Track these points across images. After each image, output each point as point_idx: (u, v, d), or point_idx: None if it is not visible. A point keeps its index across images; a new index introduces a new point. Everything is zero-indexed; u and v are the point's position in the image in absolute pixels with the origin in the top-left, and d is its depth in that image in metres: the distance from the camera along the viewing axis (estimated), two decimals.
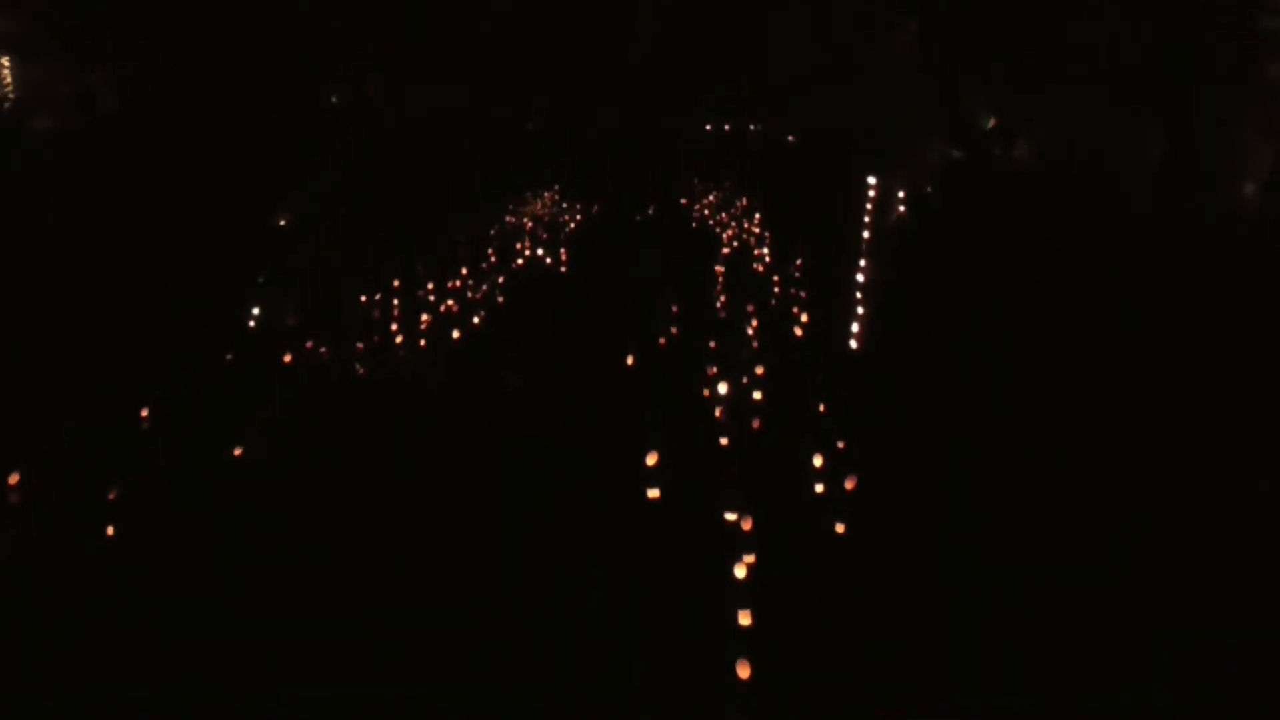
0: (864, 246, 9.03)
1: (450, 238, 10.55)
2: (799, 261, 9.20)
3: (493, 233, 10.98)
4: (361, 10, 12.39)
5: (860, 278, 8.37)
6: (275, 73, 11.47)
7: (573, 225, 11.62)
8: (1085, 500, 4.81)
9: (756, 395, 6.16)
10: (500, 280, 9.14)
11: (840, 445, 5.44)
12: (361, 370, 6.85)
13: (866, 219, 9.65)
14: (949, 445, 5.40)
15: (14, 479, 4.65)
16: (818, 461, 5.20)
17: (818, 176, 11.59)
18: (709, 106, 14.11)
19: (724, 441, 5.57)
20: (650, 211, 12.01)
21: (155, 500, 4.81)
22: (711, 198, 12.56)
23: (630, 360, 6.87)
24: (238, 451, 5.36)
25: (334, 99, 12.41)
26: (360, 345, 7.21)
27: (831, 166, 11.59)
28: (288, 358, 6.88)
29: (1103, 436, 5.35)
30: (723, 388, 6.16)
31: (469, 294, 8.68)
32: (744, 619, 3.93)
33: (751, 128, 14.07)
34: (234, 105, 11.03)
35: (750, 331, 7.44)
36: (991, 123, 9.75)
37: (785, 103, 13.29)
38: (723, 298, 8.40)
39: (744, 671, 3.58)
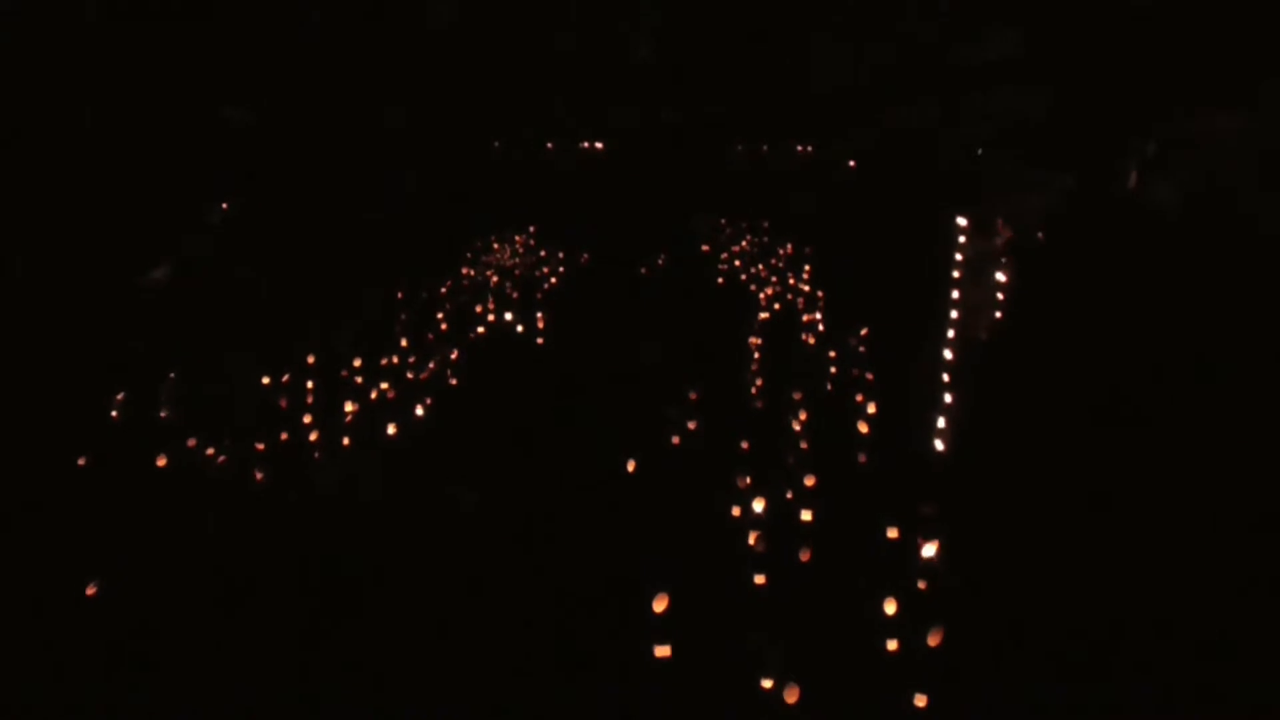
0: (952, 311, 9.26)
1: (386, 297, 10.83)
2: (864, 331, 9.42)
3: (443, 290, 11.26)
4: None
5: (947, 354, 8.56)
6: (156, 82, 11.99)
7: (553, 280, 11.91)
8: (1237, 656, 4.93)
9: (805, 515, 6.29)
10: (454, 356, 9.37)
11: (921, 586, 5.55)
12: (262, 478, 7.01)
13: (955, 274, 9.90)
14: (1065, 585, 5.51)
15: None
16: (890, 608, 5.30)
17: (888, 215, 11.91)
18: (741, 119, 14.57)
19: (760, 579, 5.68)
20: (659, 262, 12.31)
21: None
22: (744, 243, 12.88)
23: (632, 467, 7.03)
24: (91, 590, 5.49)
25: (229, 114, 12.89)
26: (261, 445, 7.39)
27: (907, 202, 11.93)
28: (162, 460, 7.07)
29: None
30: (759, 505, 6.30)
31: (410, 375, 8.89)
32: None
33: (799, 149, 14.51)
34: (98, 119, 11.50)
35: (797, 427, 7.60)
36: (1150, 149, 10.03)
37: (844, 116, 13.75)
38: (759, 380, 8.59)
39: None
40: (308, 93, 13.68)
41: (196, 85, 12.73)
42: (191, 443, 7.31)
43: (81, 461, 6.98)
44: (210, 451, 7.25)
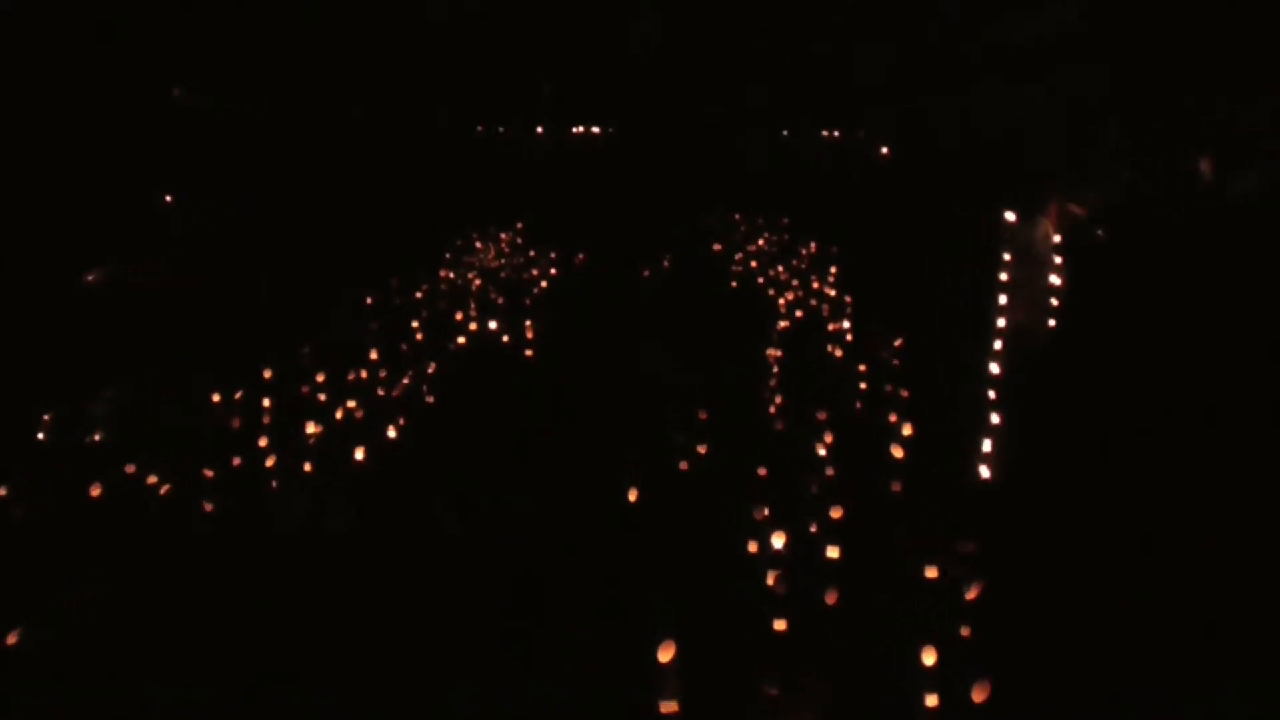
0: (999, 319, 9.27)
1: (353, 303, 10.86)
2: (897, 342, 9.44)
3: (419, 295, 11.29)
4: None
5: (994, 368, 8.57)
6: (94, 67, 12.08)
7: (544, 284, 11.94)
8: None
9: (832, 552, 6.29)
10: (431, 369, 9.39)
11: (964, 633, 5.54)
12: (211, 509, 7.01)
13: (1003, 276, 9.91)
14: (1129, 633, 5.50)
15: None
16: (929, 659, 5.29)
17: (924, 210, 11.95)
18: (758, 101, 14.63)
19: (780, 625, 5.68)
20: (665, 264, 12.35)
21: None
22: (761, 241, 12.92)
23: (633, 497, 7.04)
24: (12, 639, 5.49)
25: (176, 92, 12.97)
26: (209, 471, 7.40)
27: (945, 195, 11.97)
28: (96, 490, 7.07)
29: None
30: (778, 540, 6.29)
31: (381, 391, 8.91)
32: None
33: (825, 134, 14.56)
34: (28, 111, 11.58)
35: (822, 452, 7.61)
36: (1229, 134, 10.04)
37: (876, 98, 13.81)
38: (779, 398, 8.60)
39: None
40: (265, 72, 13.74)
41: (148, 66, 12.83)
42: (130, 469, 7.31)
43: (1, 491, 6.97)
44: (152, 479, 7.24)
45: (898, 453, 7.57)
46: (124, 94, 12.21)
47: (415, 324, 10.42)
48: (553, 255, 12.69)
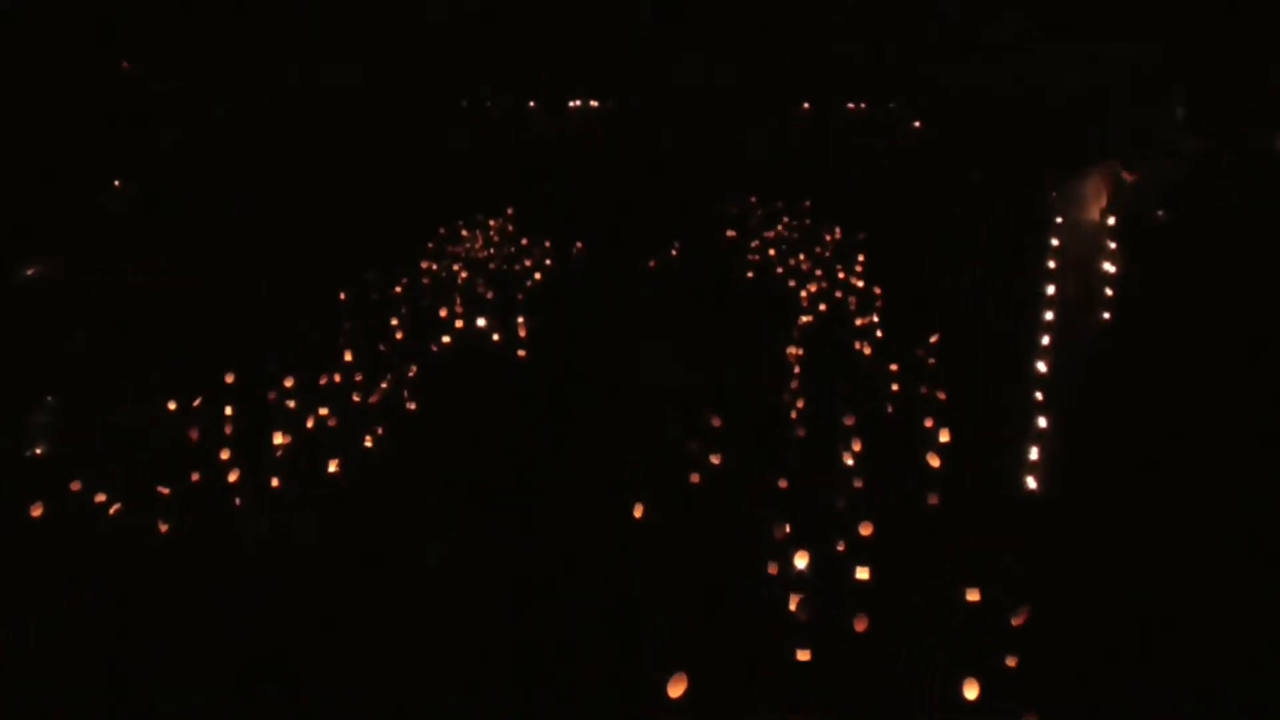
0: (1047, 312, 9.25)
1: (326, 299, 10.84)
2: (933, 338, 9.42)
3: (399, 289, 11.29)
4: None
5: (1041, 367, 8.56)
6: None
7: (538, 276, 11.93)
8: None
9: (861, 574, 6.28)
10: (412, 372, 9.38)
11: (1010, 663, 5.54)
12: (166, 529, 7.01)
13: (1050, 264, 9.89)
14: (1191, 661, 5.48)
15: None
16: (971, 692, 5.29)
17: (963, 190, 11.92)
18: (776, 70, 14.62)
19: (803, 655, 5.67)
20: (673, 252, 12.34)
21: None
22: (779, 227, 12.90)
23: (639, 513, 7.03)
24: None
25: (125, 64, 13.01)
26: (165, 489, 7.39)
27: (988, 173, 11.94)
28: (37, 510, 7.06)
29: None
30: (801, 560, 6.29)
31: (357, 397, 8.90)
32: None
33: (850, 106, 14.55)
34: None
35: (849, 461, 7.60)
36: None
37: (907, 65, 13.79)
38: (800, 402, 8.60)
39: None
40: (224, 39, 13.76)
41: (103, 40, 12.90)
42: (75, 486, 7.30)
43: None
44: (100, 498, 7.24)
45: (934, 462, 7.57)
46: (118, 94, 12.35)
47: (394, 322, 10.41)
48: (547, 244, 12.68)
